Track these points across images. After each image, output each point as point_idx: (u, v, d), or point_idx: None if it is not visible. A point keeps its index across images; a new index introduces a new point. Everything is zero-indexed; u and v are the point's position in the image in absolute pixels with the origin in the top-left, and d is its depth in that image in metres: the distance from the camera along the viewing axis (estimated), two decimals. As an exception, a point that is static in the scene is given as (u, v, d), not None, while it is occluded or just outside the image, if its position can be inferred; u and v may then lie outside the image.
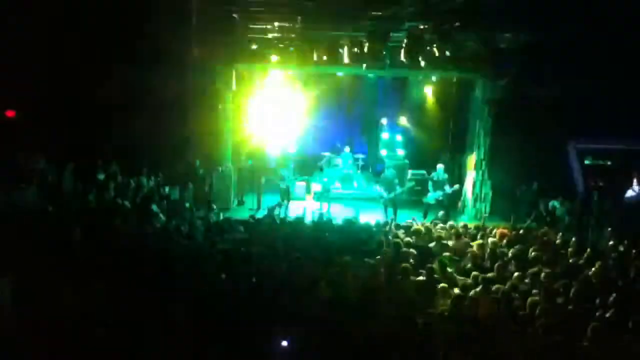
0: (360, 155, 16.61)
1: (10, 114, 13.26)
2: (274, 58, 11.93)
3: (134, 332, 5.01)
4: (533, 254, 8.30)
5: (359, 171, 16.45)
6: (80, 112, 12.66)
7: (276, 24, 11.06)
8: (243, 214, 12.60)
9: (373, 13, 9.76)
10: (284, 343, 5.01)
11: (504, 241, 9.11)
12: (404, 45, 10.58)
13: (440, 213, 12.49)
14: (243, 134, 15.12)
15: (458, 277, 7.20)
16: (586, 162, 15.15)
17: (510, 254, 8.26)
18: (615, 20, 9.99)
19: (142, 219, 9.65)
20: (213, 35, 11.84)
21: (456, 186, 13.33)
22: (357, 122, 17.99)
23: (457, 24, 9.93)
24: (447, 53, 10.66)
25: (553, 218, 11.70)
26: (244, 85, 14.45)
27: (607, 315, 5.99)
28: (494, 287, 6.60)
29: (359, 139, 17.30)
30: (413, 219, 10.94)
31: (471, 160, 14.21)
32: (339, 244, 8.37)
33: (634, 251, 8.48)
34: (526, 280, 7.07)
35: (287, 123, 17.30)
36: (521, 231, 9.89)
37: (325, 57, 11.60)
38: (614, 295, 6.40)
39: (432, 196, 13.00)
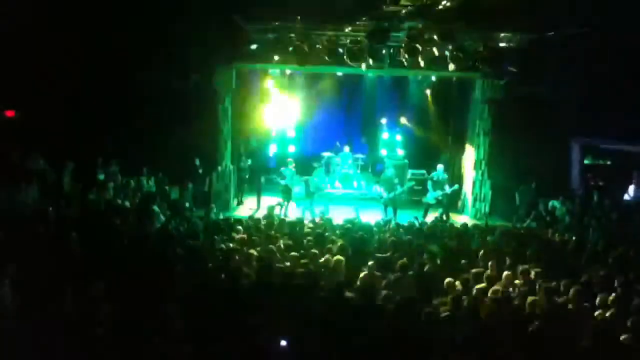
0: (360, 155, 16.60)
1: (10, 113, 13.27)
2: (274, 58, 11.91)
3: (134, 332, 5.01)
4: (533, 253, 8.32)
5: (358, 171, 16.45)
6: (80, 112, 12.66)
7: (276, 23, 11.04)
8: (242, 213, 12.60)
9: (373, 13, 9.74)
10: (284, 343, 5.01)
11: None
12: (403, 45, 10.57)
13: (439, 212, 12.52)
14: (243, 133, 15.13)
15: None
16: (586, 161, 15.17)
17: (510, 254, 8.26)
18: (616, 20, 9.99)
19: (142, 218, 9.64)
20: (213, 35, 11.84)
21: (456, 186, 13.34)
22: (356, 122, 18.00)
23: (457, 24, 9.91)
24: (447, 53, 10.65)
25: (553, 218, 11.70)
26: (243, 85, 14.45)
27: (607, 314, 6.00)
28: (494, 287, 6.62)
29: (358, 139, 17.29)
30: (415, 219, 10.95)
31: (471, 160, 14.21)
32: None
33: (633, 251, 8.48)
34: (526, 280, 7.07)
35: (286, 123, 17.33)
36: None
37: (325, 57, 11.60)
38: (614, 294, 6.40)
39: (431, 196, 13.01)
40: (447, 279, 6.79)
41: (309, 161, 16.24)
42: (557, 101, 13.44)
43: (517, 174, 13.34)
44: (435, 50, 10.63)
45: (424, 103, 17.42)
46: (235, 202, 14.35)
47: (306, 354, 5.06)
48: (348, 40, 11.23)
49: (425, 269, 7.31)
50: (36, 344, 4.87)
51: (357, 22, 10.54)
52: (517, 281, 7.10)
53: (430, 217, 12.30)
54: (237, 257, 7.40)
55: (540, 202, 12.70)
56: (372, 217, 11.90)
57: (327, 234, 9.10)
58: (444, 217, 12.54)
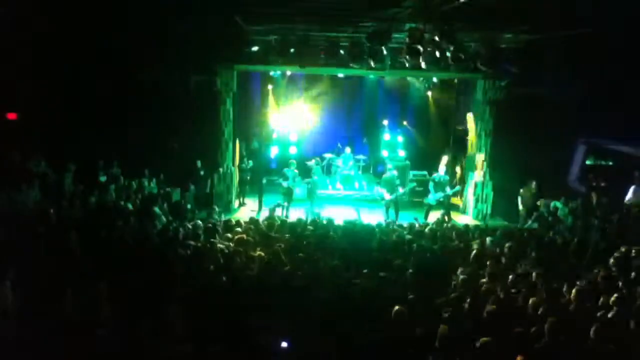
0: (362, 156, 16.62)
1: (11, 116, 13.30)
2: (275, 59, 11.93)
3: (134, 332, 5.01)
4: (534, 254, 8.30)
5: (360, 172, 16.46)
6: (82, 114, 12.68)
7: (277, 25, 11.06)
8: (244, 215, 12.61)
9: (373, 14, 9.75)
10: (284, 344, 5.01)
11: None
12: (404, 46, 10.57)
13: (441, 214, 12.51)
14: (244, 135, 15.15)
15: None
16: (587, 162, 15.14)
17: (511, 254, 8.25)
18: (616, 20, 9.97)
19: (143, 220, 9.65)
20: (214, 36, 11.86)
21: (457, 187, 13.33)
22: (358, 123, 18.03)
23: (457, 24, 9.91)
24: (448, 54, 10.65)
25: (555, 218, 11.67)
26: (245, 86, 14.48)
27: (609, 315, 5.98)
28: (495, 288, 6.60)
29: (360, 140, 17.31)
30: (415, 219, 10.95)
31: (472, 161, 14.20)
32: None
33: (634, 251, 8.45)
34: (527, 281, 7.06)
35: (288, 124, 17.38)
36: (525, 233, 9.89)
37: (325, 58, 11.61)
38: (616, 295, 6.38)
39: (433, 197, 13.00)
40: (448, 279, 6.79)
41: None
42: (558, 101, 13.42)
43: (518, 174, 13.32)
44: (436, 51, 10.63)
45: (425, 104, 17.47)
46: (237, 203, 14.35)
47: (306, 354, 5.06)
48: (349, 42, 11.24)
49: (425, 269, 7.30)
50: (36, 344, 4.88)
51: (358, 24, 10.55)
52: (518, 282, 7.08)
53: (432, 218, 12.28)
54: (238, 259, 7.40)
55: (542, 203, 12.68)
56: (373, 218, 11.89)
57: (328, 235, 9.11)
58: (446, 218, 12.53)
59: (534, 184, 12.86)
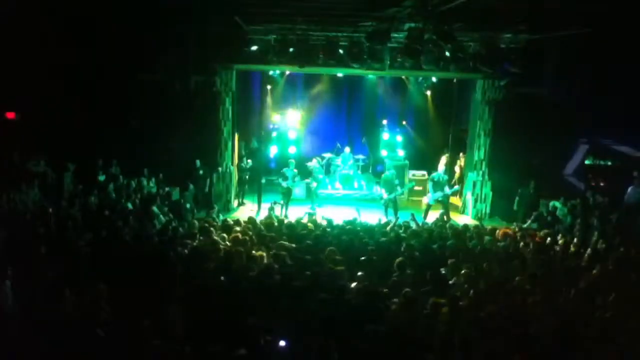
0: (361, 156, 16.62)
1: (10, 115, 13.30)
2: (274, 59, 11.93)
3: (134, 333, 5.02)
4: (534, 254, 8.31)
5: (359, 172, 16.46)
6: (81, 114, 12.68)
7: (276, 25, 11.06)
8: (243, 215, 12.61)
9: (373, 14, 9.75)
10: (283, 344, 5.01)
11: (506, 242, 9.11)
12: (404, 46, 10.57)
13: (440, 213, 12.51)
14: (243, 134, 15.14)
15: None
16: (587, 162, 15.16)
17: (511, 254, 8.26)
18: (616, 20, 9.98)
19: (143, 220, 9.65)
20: (213, 36, 11.86)
21: (456, 187, 13.33)
22: (357, 123, 18.03)
23: (457, 24, 9.91)
24: (448, 54, 10.65)
25: (554, 218, 11.68)
26: (244, 86, 14.47)
27: (607, 315, 5.99)
28: (494, 288, 6.62)
29: (359, 140, 17.31)
30: (412, 217, 10.94)
31: (472, 160, 14.20)
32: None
33: (634, 251, 8.47)
34: (526, 280, 7.07)
35: (287, 124, 17.39)
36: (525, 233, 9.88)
37: (325, 58, 11.61)
38: (614, 295, 6.40)
39: (432, 197, 12.99)
40: (447, 279, 6.80)
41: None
42: (557, 101, 13.43)
43: (517, 174, 13.32)
44: (435, 51, 10.64)
45: (424, 104, 17.47)
46: (236, 203, 14.35)
47: (306, 354, 5.06)
48: (348, 42, 11.24)
49: (425, 269, 7.31)
50: (37, 344, 4.88)
51: (358, 24, 10.56)
52: (517, 281, 7.09)
53: (431, 218, 12.29)
54: (237, 259, 7.40)
55: (541, 203, 12.69)
56: (372, 217, 11.89)
57: (326, 235, 9.11)
58: (445, 218, 12.53)
59: (532, 183, 12.87)
